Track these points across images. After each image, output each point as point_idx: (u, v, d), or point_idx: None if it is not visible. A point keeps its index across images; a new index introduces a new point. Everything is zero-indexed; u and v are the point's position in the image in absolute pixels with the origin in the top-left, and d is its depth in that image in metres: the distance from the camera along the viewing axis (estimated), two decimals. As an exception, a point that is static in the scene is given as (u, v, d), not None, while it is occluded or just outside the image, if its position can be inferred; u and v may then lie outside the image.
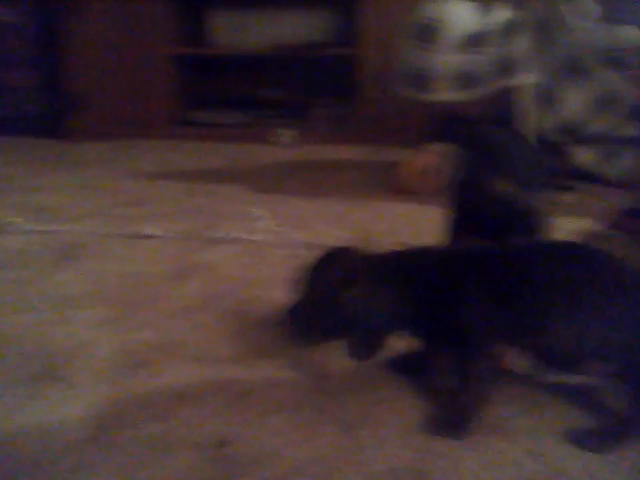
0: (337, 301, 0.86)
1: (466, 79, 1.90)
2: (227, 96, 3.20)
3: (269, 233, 1.55)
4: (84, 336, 1.06)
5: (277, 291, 1.23)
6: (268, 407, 0.85)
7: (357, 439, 0.78)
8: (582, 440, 0.76)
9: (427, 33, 1.90)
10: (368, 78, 2.76)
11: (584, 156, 2.02)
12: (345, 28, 2.94)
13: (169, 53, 2.94)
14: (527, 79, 1.87)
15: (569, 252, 0.83)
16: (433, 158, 1.90)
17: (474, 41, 1.90)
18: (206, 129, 2.99)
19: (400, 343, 0.92)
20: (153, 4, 2.88)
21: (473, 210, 1.01)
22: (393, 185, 1.92)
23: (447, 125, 2.10)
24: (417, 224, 1.61)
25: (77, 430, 0.81)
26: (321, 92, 3.09)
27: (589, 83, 1.84)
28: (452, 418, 0.80)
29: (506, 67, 1.88)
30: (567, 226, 1.29)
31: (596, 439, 0.76)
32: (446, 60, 1.89)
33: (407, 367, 0.94)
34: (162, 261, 1.41)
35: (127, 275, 1.32)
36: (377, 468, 0.73)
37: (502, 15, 1.93)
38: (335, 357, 0.97)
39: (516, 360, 0.89)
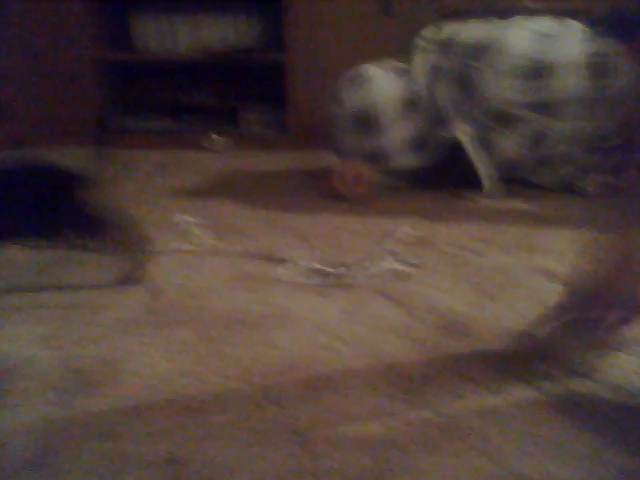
0: None
1: (416, 142, 1.95)
2: (155, 102, 3.14)
3: (206, 242, 1.53)
4: (24, 353, 1.02)
5: (218, 300, 1.22)
6: (219, 421, 0.84)
7: (311, 448, 0.78)
8: None
9: (365, 120, 1.94)
10: (298, 84, 2.77)
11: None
12: (274, 33, 2.94)
13: (94, 58, 2.86)
14: (462, 127, 1.90)
15: None
16: (361, 166, 1.93)
17: (408, 105, 1.94)
18: (134, 136, 2.93)
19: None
20: (76, 7, 2.80)
21: None
22: (326, 191, 1.93)
23: None
24: (353, 228, 1.62)
25: (22, 452, 0.78)
26: (251, 98, 3.07)
27: (519, 127, 1.87)
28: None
29: (441, 118, 1.92)
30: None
31: None
32: (393, 134, 1.93)
33: None
34: (99, 274, 1.37)
35: (63, 289, 1.28)
36: (333, 476, 0.73)
37: (421, 67, 1.97)
38: (281, 367, 0.97)
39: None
